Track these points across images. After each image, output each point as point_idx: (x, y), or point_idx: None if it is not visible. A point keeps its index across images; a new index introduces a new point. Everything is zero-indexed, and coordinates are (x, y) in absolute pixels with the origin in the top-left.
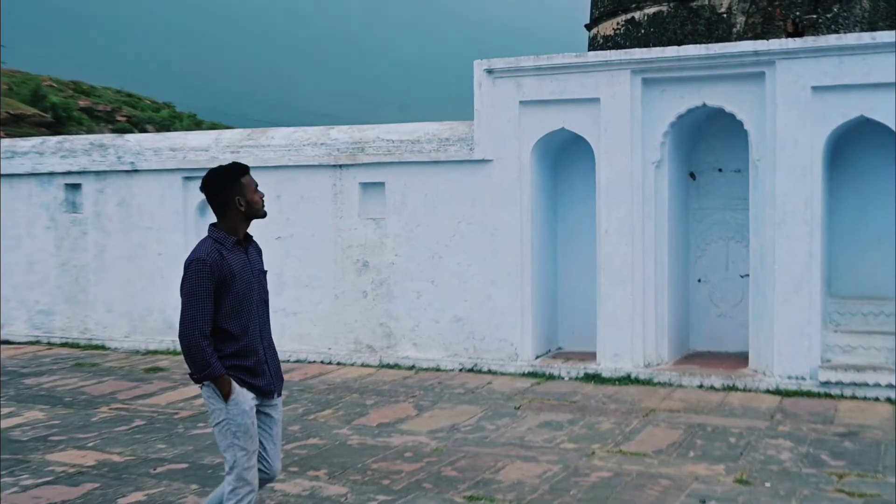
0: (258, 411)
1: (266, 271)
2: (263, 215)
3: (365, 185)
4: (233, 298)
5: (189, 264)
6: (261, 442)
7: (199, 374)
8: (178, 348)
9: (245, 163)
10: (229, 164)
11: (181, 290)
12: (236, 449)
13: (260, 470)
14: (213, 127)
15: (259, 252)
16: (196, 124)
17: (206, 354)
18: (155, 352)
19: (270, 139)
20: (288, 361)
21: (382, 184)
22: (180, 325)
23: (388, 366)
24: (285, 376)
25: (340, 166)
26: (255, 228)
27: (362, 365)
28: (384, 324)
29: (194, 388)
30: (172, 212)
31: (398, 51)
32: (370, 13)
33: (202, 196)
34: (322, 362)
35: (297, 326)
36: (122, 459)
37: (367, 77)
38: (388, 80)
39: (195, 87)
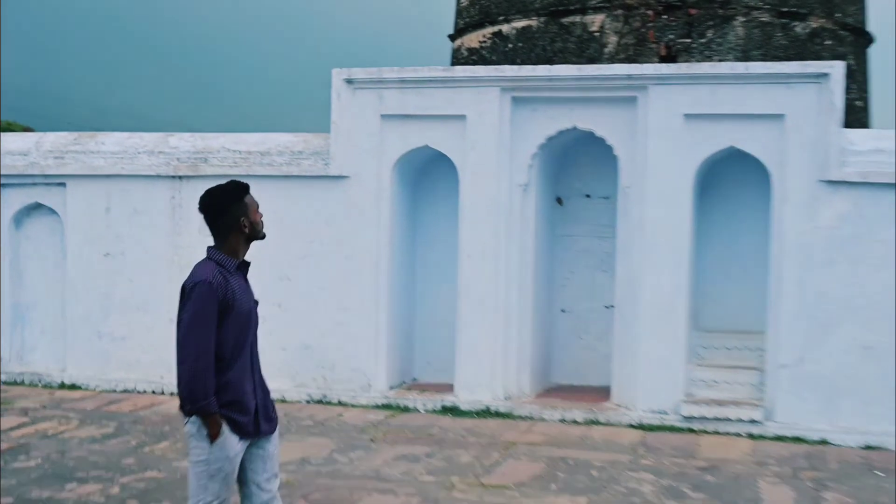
0: (250, 445)
1: (258, 301)
2: (263, 236)
3: None
4: (231, 325)
5: (192, 287)
6: (253, 478)
7: (192, 406)
8: None
9: (70, 170)
10: (230, 183)
11: (180, 314)
12: (207, 493)
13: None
14: (9, 128)
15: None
16: None
17: (206, 387)
18: None
19: (101, 145)
20: (114, 391)
21: None
22: (180, 351)
23: None
24: (110, 408)
25: (180, 178)
26: (72, 245)
27: None
28: None
29: (12, 420)
30: None
31: (250, 55)
32: (217, 12)
33: (18, 207)
34: (153, 392)
35: (125, 353)
36: None
37: (215, 82)
38: (238, 86)
39: None
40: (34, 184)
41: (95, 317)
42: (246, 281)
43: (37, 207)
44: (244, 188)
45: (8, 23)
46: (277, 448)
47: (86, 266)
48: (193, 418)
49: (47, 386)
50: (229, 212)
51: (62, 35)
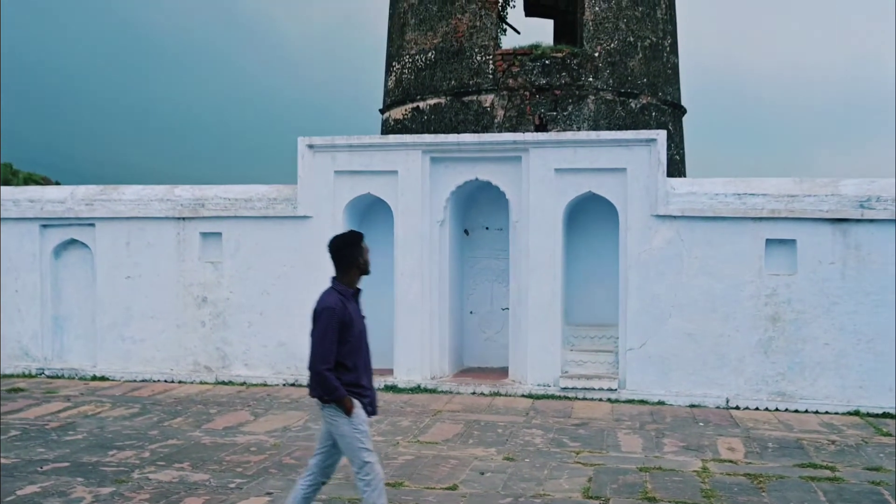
0: None
1: (365, 317)
2: (369, 272)
3: (205, 235)
4: (350, 339)
5: (322, 311)
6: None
7: (329, 395)
8: (33, 371)
9: (98, 214)
10: (351, 232)
11: (313, 331)
12: (363, 452)
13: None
14: (30, 178)
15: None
16: (13, 174)
17: (333, 381)
18: (12, 375)
19: (122, 195)
20: (135, 381)
21: (220, 233)
22: (311, 358)
23: (224, 382)
24: (133, 393)
25: (184, 219)
26: (100, 270)
27: (201, 382)
28: (220, 348)
29: (57, 404)
30: (29, 255)
31: (229, 120)
32: (201, 85)
33: (57, 242)
34: (166, 381)
35: (143, 351)
36: (9, 461)
37: (203, 143)
38: (221, 145)
39: (12, 137)
40: (70, 224)
41: (119, 324)
42: (358, 303)
43: (72, 242)
44: (360, 236)
45: (35, 93)
46: None
47: (111, 286)
48: (332, 405)
49: (82, 378)
50: (349, 253)
51: (83, 104)
